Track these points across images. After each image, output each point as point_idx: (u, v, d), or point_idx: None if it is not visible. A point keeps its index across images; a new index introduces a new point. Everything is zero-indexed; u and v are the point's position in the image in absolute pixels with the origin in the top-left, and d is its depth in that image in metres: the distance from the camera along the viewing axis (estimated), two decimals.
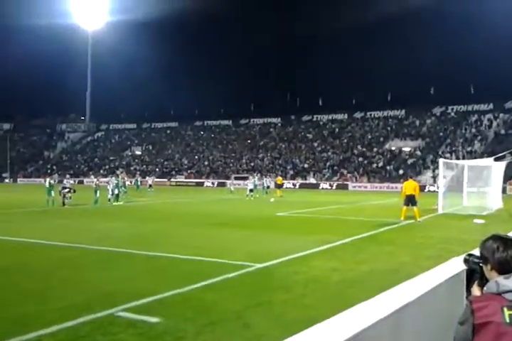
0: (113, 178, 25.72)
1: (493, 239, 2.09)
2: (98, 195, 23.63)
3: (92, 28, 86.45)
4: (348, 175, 56.09)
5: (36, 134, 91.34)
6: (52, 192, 22.26)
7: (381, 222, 15.66)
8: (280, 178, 38.32)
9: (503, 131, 57.38)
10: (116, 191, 24.98)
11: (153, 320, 5.23)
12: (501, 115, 61.00)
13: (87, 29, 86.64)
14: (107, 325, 5.04)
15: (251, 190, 31.51)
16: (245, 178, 48.35)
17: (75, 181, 57.52)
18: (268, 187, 37.46)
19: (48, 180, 23.31)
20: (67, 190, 22.58)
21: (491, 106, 63.11)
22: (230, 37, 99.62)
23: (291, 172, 60.27)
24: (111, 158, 78.20)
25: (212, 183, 59.22)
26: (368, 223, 15.49)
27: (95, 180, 25.32)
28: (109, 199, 24.61)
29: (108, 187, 24.74)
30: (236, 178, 48.34)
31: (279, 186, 35.36)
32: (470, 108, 64.60)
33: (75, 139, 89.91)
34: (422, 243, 11.28)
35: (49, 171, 71.29)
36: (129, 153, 79.19)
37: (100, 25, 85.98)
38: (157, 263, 8.70)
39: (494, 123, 59.97)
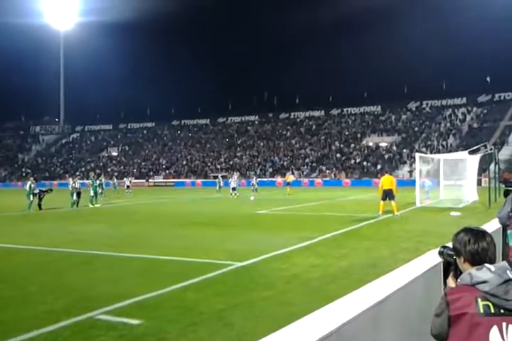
0: (71, 180, 24.46)
1: (465, 231, 2.13)
2: (75, 197, 23.26)
3: (63, 28, 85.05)
4: (327, 171, 56.47)
5: (9, 137, 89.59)
6: (31, 196, 21.78)
7: (360, 217, 15.82)
8: (290, 176, 38.44)
9: (476, 125, 58.48)
10: (83, 194, 23.93)
11: (135, 322, 5.19)
12: (474, 109, 62.15)
13: (59, 29, 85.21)
14: (87, 329, 4.98)
15: (233, 189, 31.74)
16: (224, 177, 48.21)
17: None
18: (255, 185, 37.41)
19: (28, 183, 22.78)
20: (43, 190, 22.25)
21: (464, 100, 64.26)
22: (206, 36, 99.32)
23: (270, 170, 60.39)
24: (87, 159, 77.24)
25: (192, 183, 58.96)
26: (347, 218, 15.62)
27: (72, 182, 24.74)
28: (72, 204, 23.04)
29: (72, 188, 23.43)
30: (215, 177, 48.12)
31: (288, 184, 35.48)
32: (444, 102, 65.67)
33: (50, 141, 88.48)
34: (400, 236, 11.42)
35: (24, 174, 70.04)
36: (106, 155, 78.31)
37: (71, 25, 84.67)
38: (137, 265, 8.62)
39: (468, 117, 61.07)
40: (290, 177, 37.38)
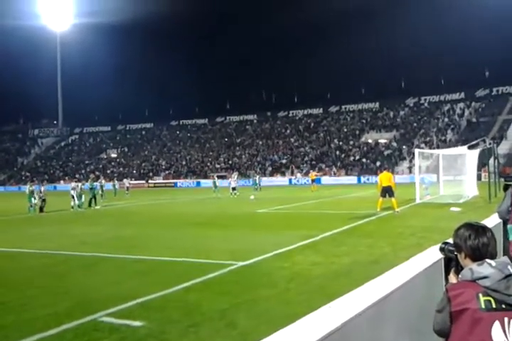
0: (74, 184, 24.35)
1: (465, 227, 2.13)
2: (76, 200, 23.23)
3: (59, 29, 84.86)
4: (326, 168, 56.46)
5: (8, 141, 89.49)
6: (33, 199, 21.90)
7: (360, 214, 15.80)
8: (313, 174, 40.39)
9: (474, 119, 58.44)
10: (83, 197, 23.67)
11: (137, 323, 5.18)
12: (473, 104, 62.12)
13: (55, 31, 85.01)
14: (90, 331, 4.97)
15: (233, 188, 31.67)
16: (224, 177, 48.19)
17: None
18: (258, 184, 38.50)
19: (28, 186, 22.88)
20: (42, 194, 22.32)
21: (463, 95, 64.19)
22: (203, 35, 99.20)
23: (270, 168, 60.36)
24: (86, 161, 77.17)
25: (192, 183, 58.95)
26: (347, 216, 15.61)
27: (75, 184, 24.57)
28: (72, 207, 23.05)
29: (72, 192, 23.32)
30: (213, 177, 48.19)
31: (313, 181, 37.01)
32: (442, 98, 65.63)
33: (49, 144, 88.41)
34: (401, 233, 11.42)
35: (23, 178, 70.01)
36: (105, 156, 78.25)
37: (67, 27, 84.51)
38: (139, 266, 8.61)
39: (466, 112, 61.03)
40: (313, 175, 39.29)
